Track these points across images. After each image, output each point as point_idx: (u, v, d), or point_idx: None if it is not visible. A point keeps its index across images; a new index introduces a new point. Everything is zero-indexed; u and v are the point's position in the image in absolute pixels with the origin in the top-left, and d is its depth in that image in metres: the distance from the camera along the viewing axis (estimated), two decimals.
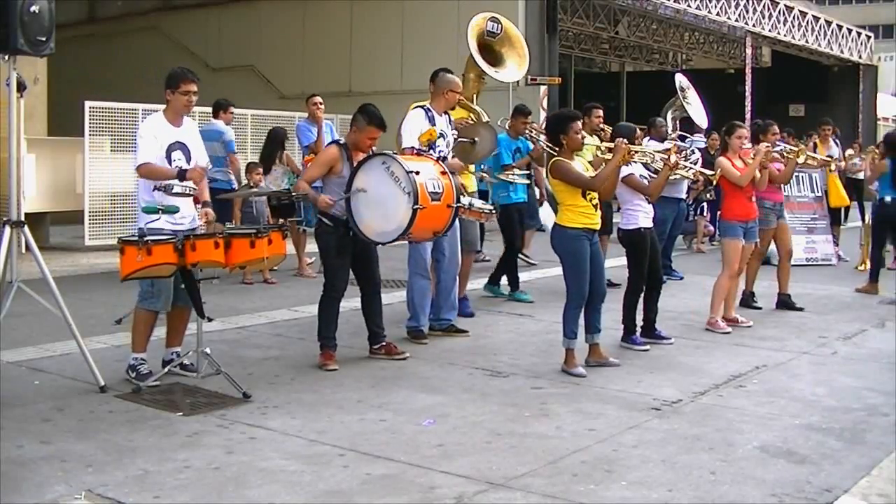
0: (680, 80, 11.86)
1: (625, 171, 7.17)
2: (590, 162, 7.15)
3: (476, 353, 7.00)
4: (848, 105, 29.15)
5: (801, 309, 8.97)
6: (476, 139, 7.88)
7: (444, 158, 7.21)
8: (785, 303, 9.06)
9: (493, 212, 7.80)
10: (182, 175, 5.89)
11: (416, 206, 6.18)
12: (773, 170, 8.78)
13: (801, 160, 8.67)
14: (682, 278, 10.68)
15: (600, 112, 9.75)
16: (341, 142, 6.83)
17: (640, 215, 7.28)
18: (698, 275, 9.24)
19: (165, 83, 6.07)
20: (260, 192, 9.08)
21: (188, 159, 6.10)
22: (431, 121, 7.37)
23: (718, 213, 9.22)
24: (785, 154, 8.77)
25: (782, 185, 9.31)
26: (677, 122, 11.53)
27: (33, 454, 4.62)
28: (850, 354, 7.23)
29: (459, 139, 7.78)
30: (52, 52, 5.99)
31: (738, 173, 7.93)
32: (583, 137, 6.61)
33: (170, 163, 6.00)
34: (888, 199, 10.18)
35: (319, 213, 6.75)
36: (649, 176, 7.47)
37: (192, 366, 6.09)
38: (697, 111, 11.49)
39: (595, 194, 6.44)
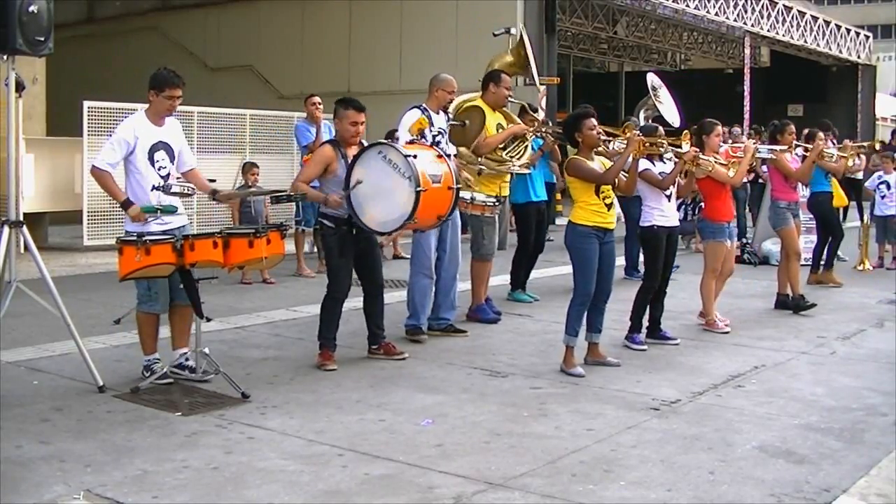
0: (652, 79, 11.97)
1: (641, 165, 7.20)
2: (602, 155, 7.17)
3: (475, 353, 7.00)
4: (847, 105, 29.18)
5: (812, 306, 8.93)
6: (466, 122, 7.87)
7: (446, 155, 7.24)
8: (783, 304, 9.06)
9: (497, 204, 7.78)
10: (127, 206, 5.82)
11: (418, 189, 6.18)
12: (790, 167, 8.80)
13: (818, 158, 8.77)
14: (677, 267, 10.75)
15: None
16: (334, 140, 6.82)
17: (656, 213, 7.28)
18: (697, 275, 9.23)
19: (150, 83, 5.98)
20: (258, 192, 9.08)
21: (172, 158, 6.03)
22: (428, 119, 7.40)
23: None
24: (801, 153, 8.87)
25: (798, 184, 9.39)
26: (650, 121, 11.57)
27: (32, 454, 4.62)
28: (849, 354, 7.23)
29: (451, 122, 7.79)
30: (50, 52, 5.98)
31: (724, 172, 7.94)
32: (598, 133, 6.62)
33: (152, 164, 5.93)
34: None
35: (320, 215, 6.75)
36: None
37: (190, 366, 6.07)
38: (669, 110, 11.57)
39: (610, 193, 6.46)
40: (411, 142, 6.86)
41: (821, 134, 9.67)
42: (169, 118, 6.16)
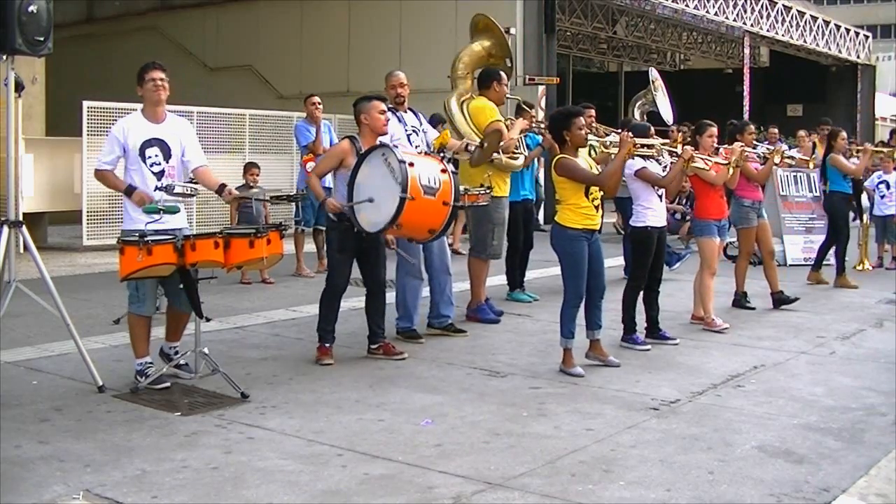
0: (653, 73, 11.99)
1: (638, 164, 7.21)
2: (593, 159, 7.16)
3: (474, 353, 7.00)
4: (846, 105, 29.20)
5: (796, 299, 9.05)
6: (485, 143, 7.82)
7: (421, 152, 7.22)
8: (780, 300, 9.09)
9: (490, 191, 7.76)
10: (130, 192, 5.82)
11: (402, 195, 6.12)
12: (751, 169, 8.83)
13: (776, 160, 8.79)
14: (686, 256, 10.89)
15: (592, 112, 9.79)
16: (354, 137, 6.80)
17: (649, 213, 7.29)
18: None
19: (137, 82, 5.99)
20: (262, 198, 9.07)
21: (167, 156, 5.95)
22: (400, 120, 7.40)
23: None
24: (762, 154, 8.92)
25: (767, 184, 9.45)
26: (644, 115, 11.59)
27: (31, 454, 4.62)
28: (849, 354, 7.23)
29: (476, 145, 7.76)
30: (50, 52, 5.98)
31: (714, 173, 7.97)
32: (586, 133, 6.60)
33: (144, 160, 5.89)
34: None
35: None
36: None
37: (186, 366, 6.07)
38: (665, 106, 11.61)
39: (598, 194, 6.44)
40: (426, 154, 6.87)
41: (790, 142, 9.79)
42: (174, 116, 6.14)
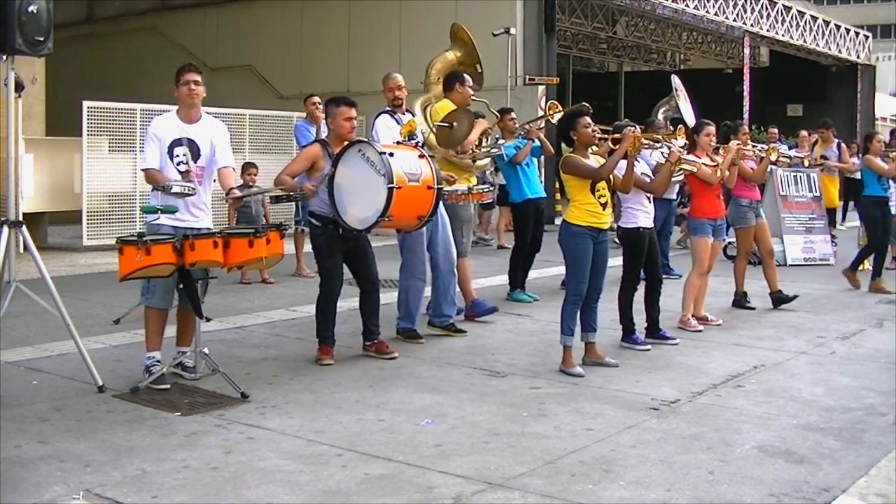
0: (675, 81, 12.04)
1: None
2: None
3: (474, 353, 7.00)
4: (846, 105, 29.17)
5: (795, 297, 9.06)
6: (454, 124, 7.83)
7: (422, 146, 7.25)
8: (778, 299, 9.09)
9: (492, 188, 7.79)
10: (169, 188, 5.80)
11: (390, 185, 6.14)
12: (747, 168, 8.85)
13: (773, 158, 8.80)
14: (679, 276, 10.74)
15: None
16: (323, 139, 6.82)
17: (641, 215, 7.30)
18: None
19: (174, 82, 6.11)
20: (264, 192, 9.06)
21: (197, 156, 6.01)
22: (399, 122, 7.41)
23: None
24: (757, 153, 8.95)
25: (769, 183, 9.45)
26: (668, 121, 11.65)
27: (31, 454, 4.62)
28: (849, 354, 7.23)
29: (438, 124, 7.77)
30: (50, 52, 5.98)
31: (709, 171, 7.99)
32: (593, 131, 6.61)
33: (171, 158, 5.96)
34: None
35: (308, 215, 6.76)
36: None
37: (193, 368, 6.06)
38: (687, 111, 11.68)
39: (605, 192, 6.45)
40: (398, 143, 6.89)
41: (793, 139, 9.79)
42: (209, 118, 6.23)
